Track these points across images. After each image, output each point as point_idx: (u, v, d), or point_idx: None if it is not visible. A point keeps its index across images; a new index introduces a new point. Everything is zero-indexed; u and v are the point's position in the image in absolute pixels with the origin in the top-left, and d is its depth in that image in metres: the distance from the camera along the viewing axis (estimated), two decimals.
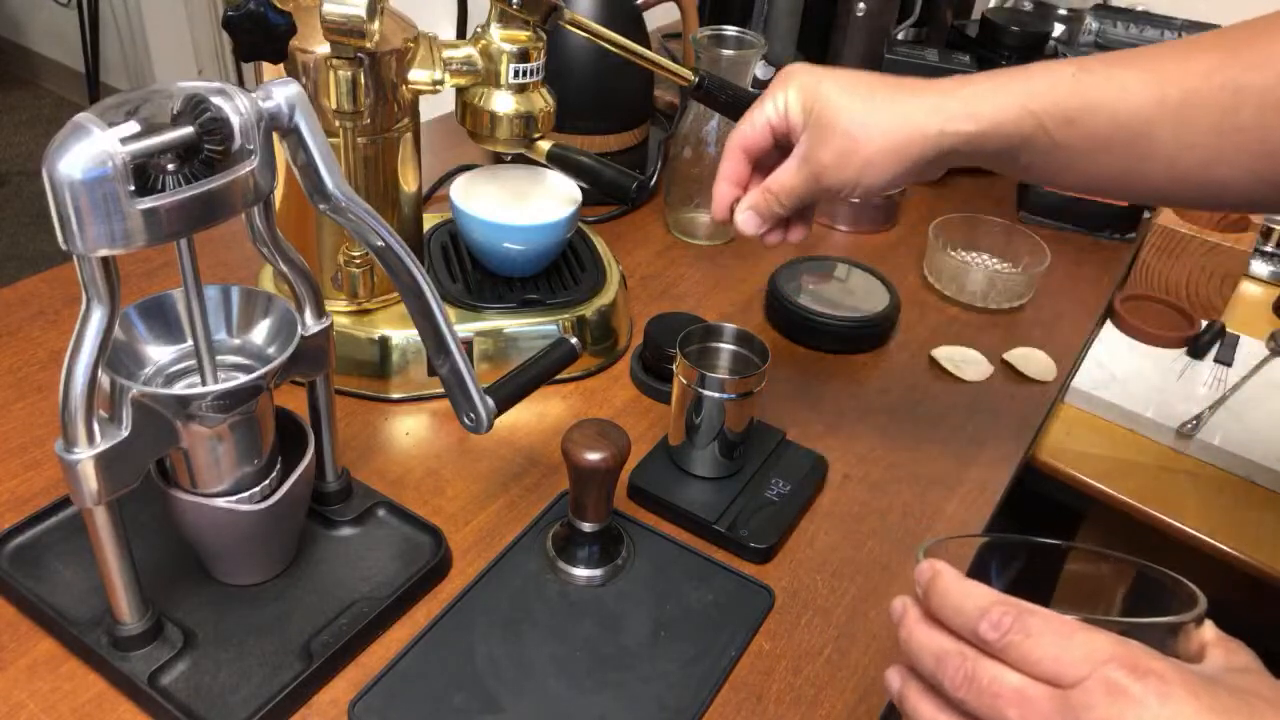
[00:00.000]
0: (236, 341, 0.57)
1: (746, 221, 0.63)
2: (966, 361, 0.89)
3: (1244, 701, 0.35)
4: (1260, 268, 1.14)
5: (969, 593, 0.38)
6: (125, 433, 0.48)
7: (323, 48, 0.65)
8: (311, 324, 0.57)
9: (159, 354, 0.56)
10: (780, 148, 0.63)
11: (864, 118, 0.58)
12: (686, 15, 1.06)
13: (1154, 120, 0.55)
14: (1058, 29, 1.23)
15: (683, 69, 0.79)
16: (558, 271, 0.85)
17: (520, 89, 0.73)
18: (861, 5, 1.20)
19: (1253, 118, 0.53)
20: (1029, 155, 0.58)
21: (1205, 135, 0.55)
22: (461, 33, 0.98)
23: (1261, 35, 0.54)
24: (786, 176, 0.61)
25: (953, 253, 1.02)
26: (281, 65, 0.64)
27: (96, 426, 0.47)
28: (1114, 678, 0.34)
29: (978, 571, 0.41)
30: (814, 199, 0.62)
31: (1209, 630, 0.40)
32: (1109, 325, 1.01)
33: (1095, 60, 0.58)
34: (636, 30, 1.01)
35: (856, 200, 0.55)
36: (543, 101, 0.75)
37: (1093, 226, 1.12)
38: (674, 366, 0.70)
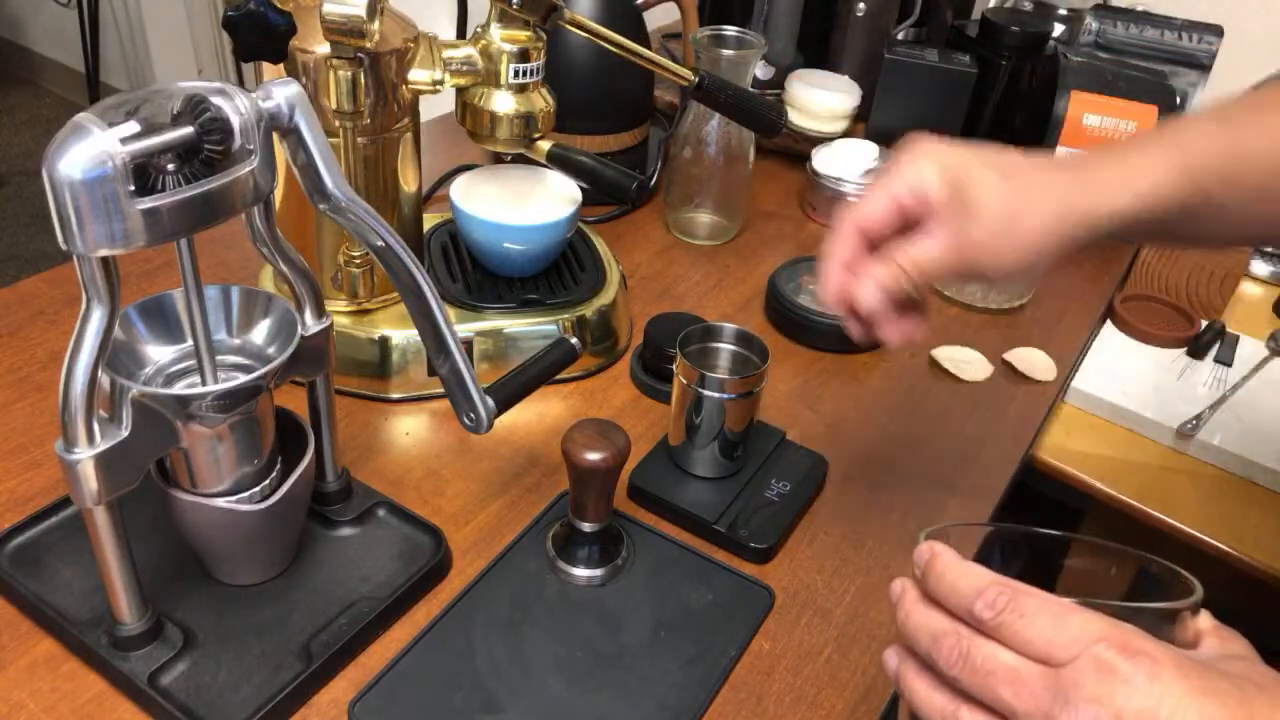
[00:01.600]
0: (236, 341, 0.57)
1: (870, 296, 0.56)
2: (966, 361, 0.89)
3: (1235, 685, 0.35)
4: (1260, 268, 1.14)
5: (966, 572, 0.38)
6: (125, 433, 0.48)
7: (323, 48, 0.65)
8: (311, 324, 0.57)
9: (159, 354, 0.56)
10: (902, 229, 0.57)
11: (1018, 197, 0.53)
12: (686, 15, 1.06)
13: None
14: (1058, 29, 1.23)
15: (683, 69, 0.79)
16: (558, 271, 0.85)
17: (520, 89, 0.73)
18: (861, 5, 1.20)
19: None
20: (1188, 223, 0.55)
21: None
22: (461, 33, 0.98)
23: None
24: (934, 250, 0.54)
25: None
26: (281, 65, 0.64)
27: (96, 426, 0.47)
28: (1104, 656, 0.35)
29: (981, 560, 0.41)
30: (955, 279, 0.57)
31: (1205, 619, 0.40)
32: (1109, 325, 1.01)
33: (1233, 109, 0.55)
34: (636, 30, 1.01)
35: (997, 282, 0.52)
36: (543, 101, 0.75)
37: None
38: (674, 366, 0.70)
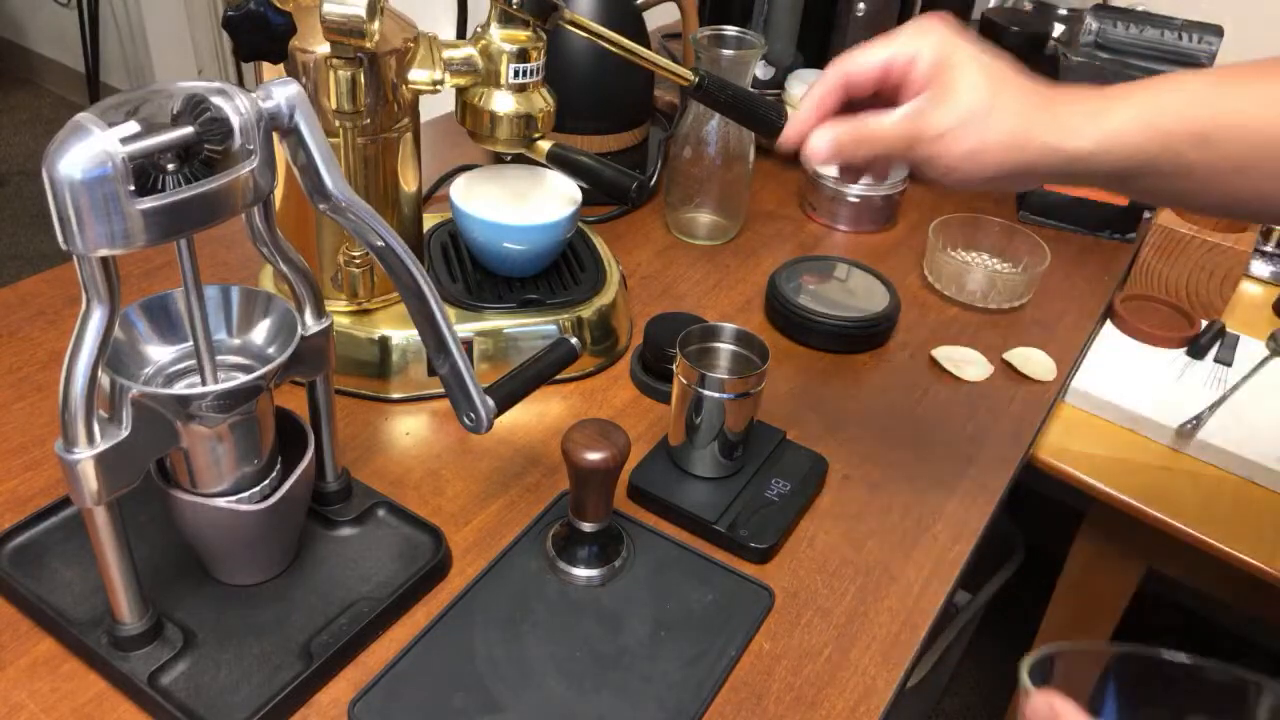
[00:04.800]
0: (236, 341, 0.57)
1: (819, 150, 0.56)
2: (966, 361, 0.89)
3: None
4: (1260, 268, 1.14)
5: None
6: (125, 433, 0.48)
7: (323, 48, 0.65)
8: (311, 324, 0.57)
9: (159, 354, 0.56)
10: (878, 94, 0.57)
11: (991, 103, 0.53)
12: (686, 15, 1.06)
13: None
14: (1058, 29, 1.23)
15: (683, 69, 0.79)
16: (558, 271, 0.85)
17: (520, 89, 0.73)
18: (861, 5, 1.19)
19: None
20: (1151, 179, 0.53)
21: None
22: (461, 33, 0.98)
23: None
24: (888, 126, 0.55)
25: (953, 253, 1.02)
26: (281, 65, 0.64)
27: (96, 426, 0.47)
28: None
29: (1096, 689, 0.36)
30: (899, 160, 0.56)
31: None
32: (1109, 325, 1.00)
33: (1235, 71, 0.53)
34: (636, 30, 1.01)
35: (939, 179, 0.52)
36: (543, 101, 0.75)
37: (1093, 226, 1.12)
38: (674, 366, 0.70)
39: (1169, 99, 0.52)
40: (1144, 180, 0.54)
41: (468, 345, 0.78)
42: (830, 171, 1.07)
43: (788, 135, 0.59)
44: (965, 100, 0.53)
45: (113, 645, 0.55)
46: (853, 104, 0.58)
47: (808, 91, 0.58)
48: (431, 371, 0.77)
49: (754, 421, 0.71)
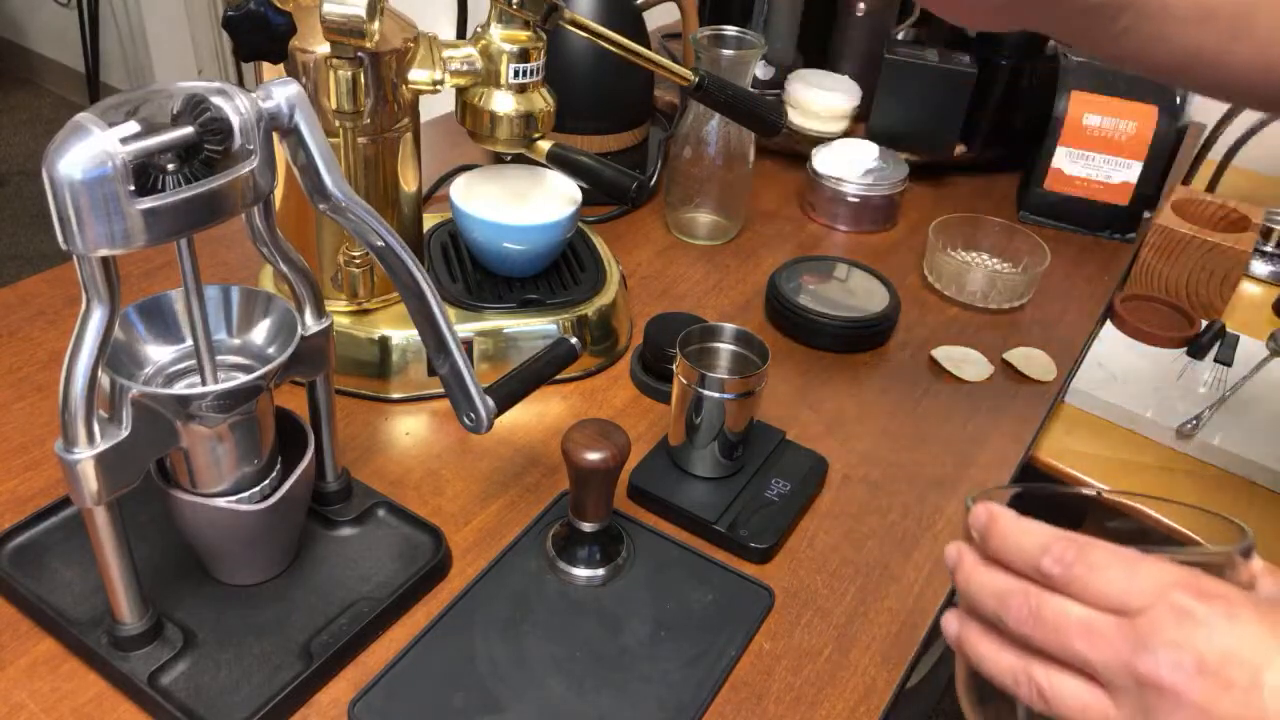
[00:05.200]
0: (236, 341, 0.57)
1: None
2: (966, 361, 0.89)
3: None
4: (1260, 268, 1.14)
5: (1028, 530, 0.38)
6: (125, 433, 0.48)
7: (323, 48, 0.65)
8: (311, 324, 0.57)
9: (159, 354, 0.56)
10: None
11: None
12: (686, 15, 1.06)
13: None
14: None
15: (683, 69, 0.79)
16: (558, 271, 0.85)
17: (520, 89, 0.73)
18: (861, 5, 1.19)
19: None
20: (1131, 16, 0.57)
21: None
22: (461, 33, 0.98)
23: None
24: None
25: (953, 253, 1.02)
26: (281, 65, 0.64)
27: (96, 426, 0.47)
28: (1181, 602, 0.35)
29: None
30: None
31: (1256, 562, 0.40)
32: (1109, 325, 1.01)
33: None
34: (636, 30, 1.01)
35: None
36: (543, 101, 0.75)
37: (1093, 226, 1.12)
38: (674, 366, 0.70)
39: None
40: (1125, 17, 0.57)
41: (468, 345, 0.78)
42: (830, 171, 1.07)
43: None
44: None
45: (113, 645, 0.55)
46: None
47: None
48: (431, 371, 0.77)
49: (754, 421, 0.71)
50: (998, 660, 0.39)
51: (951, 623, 0.42)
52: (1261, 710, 0.34)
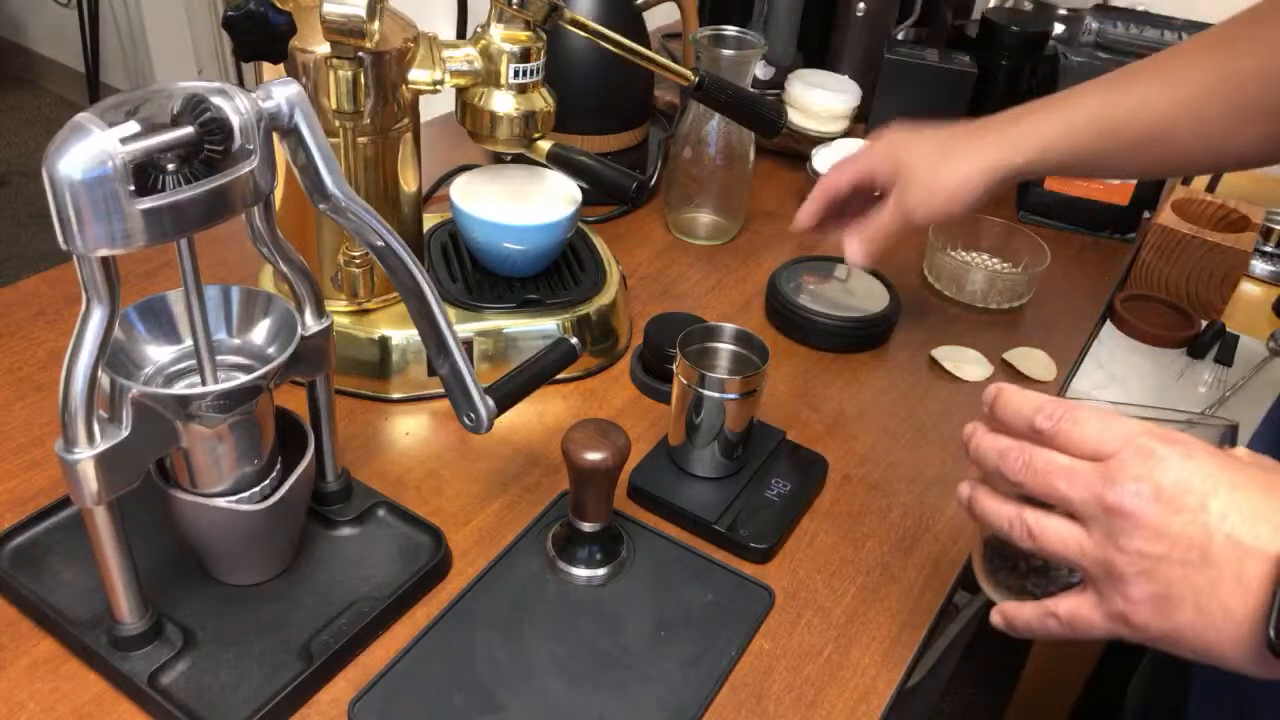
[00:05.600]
0: (236, 341, 0.57)
1: (856, 257, 0.78)
2: (966, 361, 0.89)
3: (1262, 470, 0.41)
4: (1260, 268, 1.14)
5: (1027, 396, 0.46)
6: (125, 433, 0.48)
7: (323, 48, 0.65)
8: (311, 324, 0.57)
9: (159, 354, 0.56)
10: (859, 193, 0.79)
11: (935, 168, 0.73)
12: (686, 15, 1.06)
13: (1174, 119, 0.67)
14: (1058, 29, 1.23)
15: (683, 69, 0.79)
16: (558, 271, 0.85)
17: (520, 89, 0.73)
18: (861, 5, 1.19)
19: (1256, 96, 0.64)
20: (1079, 167, 0.75)
21: (1218, 121, 0.66)
22: (461, 33, 0.98)
23: (1249, 25, 0.65)
24: (884, 219, 0.76)
25: (953, 253, 1.02)
26: (281, 65, 0.64)
27: (96, 426, 0.47)
28: (1145, 444, 0.41)
29: None
30: (907, 231, 0.76)
31: (1240, 450, 0.45)
32: (1109, 325, 1.01)
33: (1117, 79, 0.70)
34: (636, 30, 1.01)
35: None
36: (543, 101, 0.75)
37: (1093, 226, 1.12)
38: (674, 366, 0.70)
39: (1076, 110, 0.71)
40: (1079, 168, 0.75)
41: (468, 345, 0.78)
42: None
43: (799, 223, 0.81)
44: (923, 172, 0.74)
45: (113, 645, 0.55)
46: (844, 202, 0.80)
47: (805, 207, 0.81)
48: (431, 371, 0.77)
49: (754, 421, 0.71)
50: (998, 510, 0.46)
51: (965, 487, 0.49)
52: (1206, 529, 0.40)
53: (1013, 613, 0.48)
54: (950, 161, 0.73)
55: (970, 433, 0.48)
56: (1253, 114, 0.64)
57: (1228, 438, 0.46)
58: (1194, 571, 0.40)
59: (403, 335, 0.76)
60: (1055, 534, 0.44)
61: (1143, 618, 0.41)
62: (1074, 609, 0.44)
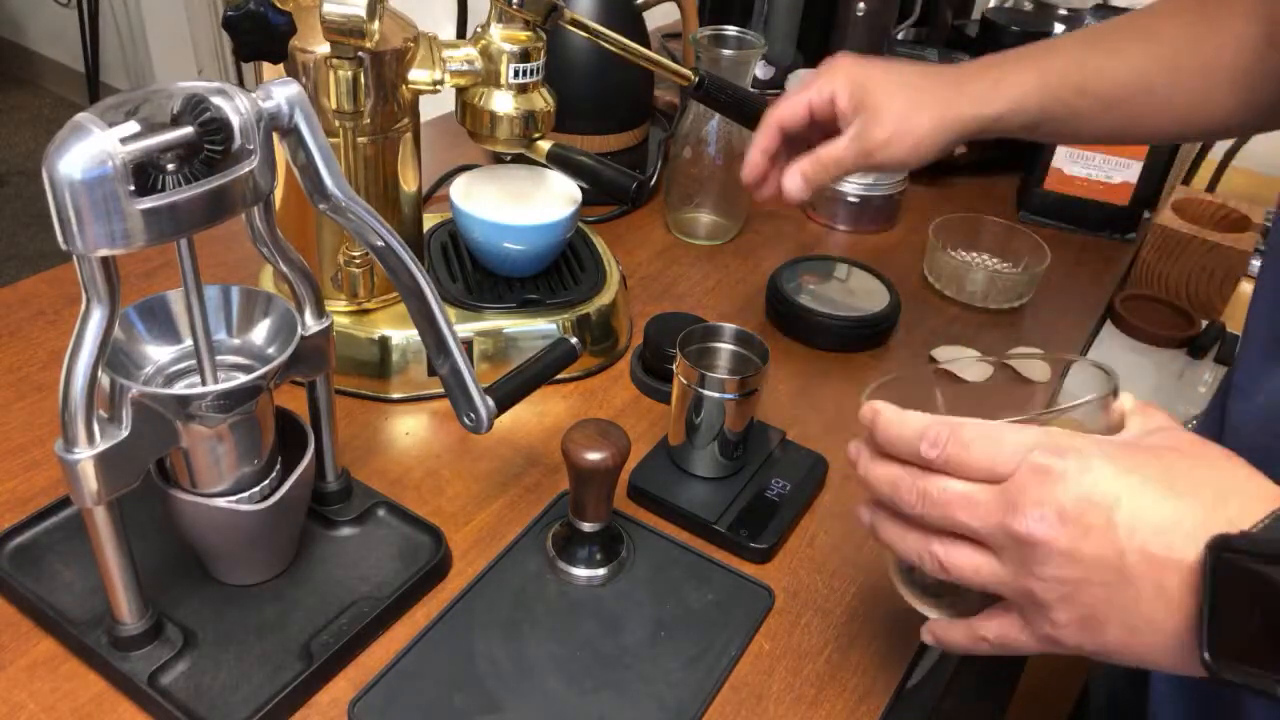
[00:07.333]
0: (236, 341, 0.57)
1: (793, 187, 0.70)
2: (966, 361, 0.88)
3: (1156, 456, 0.40)
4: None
5: (905, 421, 0.43)
6: (125, 433, 0.48)
7: (323, 48, 0.65)
8: (311, 324, 0.57)
9: (159, 354, 0.56)
10: (815, 126, 0.71)
11: (911, 104, 0.67)
12: (686, 15, 1.06)
13: (1151, 77, 0.65)
14: (1058, 28, 1.23)
15: (683, 69, 0.79)
16: (558, 271, 0.85)
17: (520, 89, 0.73)
18: (861, 5, 1.20)
19: (1231, 59, 0.62)
20: (1049, 124, 0.68)
21: (1193, 79, 0.64)
22: (461, 33, 0.98)
23: None
24: (839, 150, 0.68)
25: (953, 253, 1.02)
26: (281, 65, 0.64)
27: (96, 426, 0.47)
28: (1039, 461, 0.40)
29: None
30: (859, 171, 0.71)
31: (1127, 400, 0.45)
32: (1109, 325, 1.01)
33: (1096, 32, 0.68)
34: (636, 30, 1.01)
35: (878, 181, 0.75)
36: (543, 101, 0.75)
37: (1093, 226, 1.12)
38: (674, 366, 0.70)
39: (1051, 61, 0.67)
40: (1047, 126, 0.68)
41: (468, 345, 0.78)
42: None
43: (746, 177, 0.73)
44: (892, 111, 0.67)
45: (113, 645, 0.55)
46: (793, 142, 0.72)
47: (753, 141, 0.72)
48: (431, 371, 0.77)
49: (754, 421, 0.71)
50: (905, 541, 0.44)
51: (864, 513, 0.47)
52: (1117, 546, 0.38)
53: (942, 632, 0.47)
54: (921, 107, 0.67)
55: (855, 456, 0.46)
56: (1226, 78, 0.63)
57: (1109, 386, 0.45)
58: (1114, 591, 0.38)
59: (403, 335, 0.76)
60: (968, 564, 0.42)
61: (1073, 639, 0.40)
62: (1002, 632, 0.43)
